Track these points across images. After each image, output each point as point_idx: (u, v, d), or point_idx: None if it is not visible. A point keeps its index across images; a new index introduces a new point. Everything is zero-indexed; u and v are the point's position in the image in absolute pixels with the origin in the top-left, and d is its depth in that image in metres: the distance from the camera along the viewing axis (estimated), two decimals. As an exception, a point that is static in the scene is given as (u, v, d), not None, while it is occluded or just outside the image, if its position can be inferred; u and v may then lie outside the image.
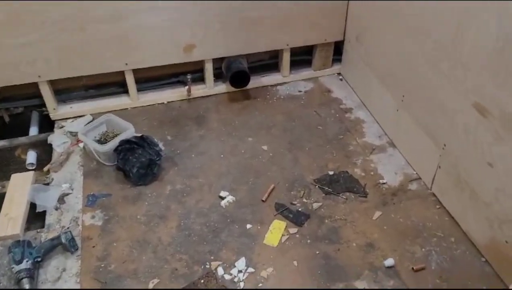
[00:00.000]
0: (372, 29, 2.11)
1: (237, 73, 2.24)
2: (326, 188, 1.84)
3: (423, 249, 1.59)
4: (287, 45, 2.35)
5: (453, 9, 1.48)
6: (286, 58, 2.41)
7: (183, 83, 2.34)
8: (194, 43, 2.18)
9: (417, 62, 1.74)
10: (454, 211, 1.68)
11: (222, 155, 2.02)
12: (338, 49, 2.49)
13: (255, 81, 2.42)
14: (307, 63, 2.54)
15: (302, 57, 2.50)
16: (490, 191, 1.45)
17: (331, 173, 1.92)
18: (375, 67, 2.12)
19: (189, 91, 2.33)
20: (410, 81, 1.83)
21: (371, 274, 1.51)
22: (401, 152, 2.00)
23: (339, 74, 2.55)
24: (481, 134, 1.44)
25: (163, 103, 2.34)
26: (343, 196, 1.81)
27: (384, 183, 1.86)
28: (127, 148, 1.87)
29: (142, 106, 2.31)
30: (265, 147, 2.06)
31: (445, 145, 1.66)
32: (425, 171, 1.83)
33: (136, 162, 1.82)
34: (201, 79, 2.38)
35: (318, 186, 1.85)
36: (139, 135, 1.94)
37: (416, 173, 1.89)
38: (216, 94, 2.40)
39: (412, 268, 1.51)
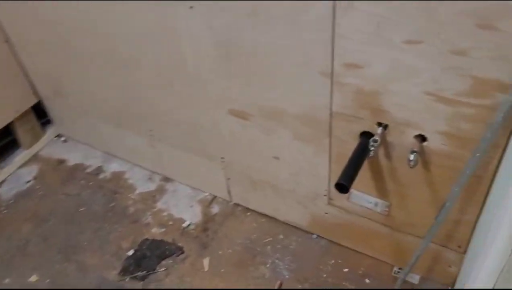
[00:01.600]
0: (69, 77, 1.75)
1: None
2: (139, 273, 1.52)
3: (268, 265, 1.50)
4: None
5: (160, 29, 1.29)
6: (-15, 157, 1.82)
7: None
8: None
9: (148, 92, 1.53)
10: (266, 210, 1.63)
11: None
12: (41, 110, 2.03)
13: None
14: (14, 143, 2.00)
15: (3, 141, 1.95)
16: (287, 179, 1.43)
17: (130, 252, 1.59)
18: (99, 112, 1.80)
19: None
20: (150, 113, 1.61)
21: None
22: (181, 182, 1.82)
23: (59, 136, 2.11)
24: (253, 135, 1.37)
25: None
26: (162, 268, 1.53)
27: (189, 225, 1.66)
28: None
29: None
30: (33, 278, 1.55)
31: (222, 157, 1.55)
32: (217, 188, 1.71)
33: None
34: None
35: (129, 278, 1.51)
36: None
37: (210, 194, 1.76)
38: None
39: (273, 292, 1.41)
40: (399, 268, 1.43)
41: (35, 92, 1.94)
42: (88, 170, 1.93)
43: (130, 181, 1.86)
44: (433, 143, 1.04)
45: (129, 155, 1.91)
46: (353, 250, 1.49)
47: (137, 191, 1.82)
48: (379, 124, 1.09)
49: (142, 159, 1.87)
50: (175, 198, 1.77)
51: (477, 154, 0.92)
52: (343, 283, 1.42)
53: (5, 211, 1.79)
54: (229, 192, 1.68)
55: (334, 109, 1.13)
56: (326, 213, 1.45)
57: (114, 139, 1.88)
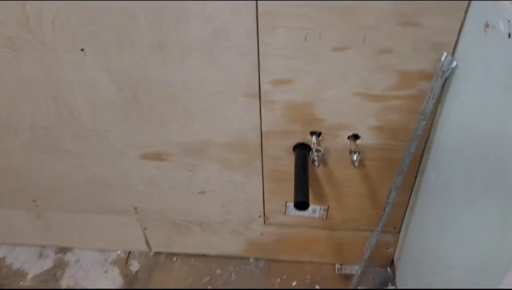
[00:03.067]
0: None
1: None
2: None
3: (216, 307, 1.39)
4: None
5: (41, 82, 1.07)
6: None
7: None
8: None
9: (26, 160, 1.26)
10: (194, 250, 1.50)
11: None
12: None
13: None
14: None
15: None
16: (217, 212, 1.34)
17: None
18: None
19: None
20: (30, 182, 1.33)
21: None
22: (83, 248, 1.56)
23: None
24: (174, 175, 1.24)
25: None
26: None
27: (110, 294, 1.44)
28: None
29: None
30: None
31: (136, 208, 1.37)
32: (131, 242, 1.51)
33: None
34: None
35: None
36: None
37: (122, 251, 1.55)
38: None
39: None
40: (340, 265, 1.47)
41: None
42: (-48, 270, 1.52)
43: (15, 266, 1.53)
44: (366, 139, 1.08)
45: (5, 235, 1.56)
46: (294, 261, 1.48)
47: (29, 275, 1.50)
48: (312, 133, 1.09)
49: (24, 236, 1.55)
50: (83, 269, 1.51)
51: (416, 141, 0.99)
52: (297, 297, 1.40)
53: None
54: (147, 243, 1.50)
55: (265, 129, 1.09)
56: (261, 233, 1.40)
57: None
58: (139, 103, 1.07)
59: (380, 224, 1.14)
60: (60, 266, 1.52)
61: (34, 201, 1.40)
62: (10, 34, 0.97)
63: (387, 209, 1.11)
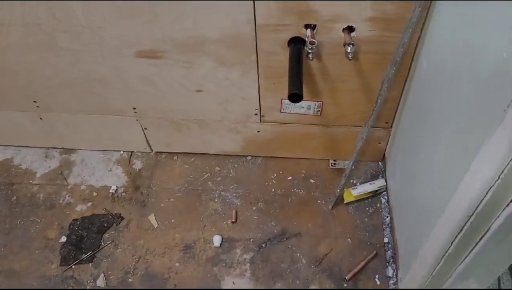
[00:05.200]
0: None
1: None
2: (84, 256, 1.37)
3: (216, 200, 1.48)
4: None
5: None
6: None
7: None
8: None
9: (24, 57, 1.27)
10: (194, 148, 1.56)
11: None
12: None
13: None
14: None
15: None
16: (215, 110, 1.37)
17: (63, 239, 1.41)
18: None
19: None
20: (29, 81, 1.35)
21: None
22: (87, 149, 1.62)
23: None
24: (170, 73, 1.26)
25: None
26: (107, 242, 1.40)
27: (116, 190, 1.52)
28: None
29: None
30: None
31: (135, 108, 1.41)
32: (133, 143, 1.57)
33: None
34: None
35: (75, 265, 1.36)
36: None
37: (124, 151, 1.61)
38: None
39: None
40: (334, 160, 1.54)
41: None
42: None
43: (23, 166, 1.60)
44: (361, 31, 1.07)
45: (10, 137, 1.62)
46: (289, 158, 1.55)
47: (38, 174, 1.57)
48: (307, 26, 1.08)
49: (28, 138, 1.60)
50: (88, 167, 1.58)
51: (410, 29, 0.98)
52: (292, 190, 1.48)
53: None
54: (148, 143, 1.56)
55: (259, 22, 1.08)
56: (258, 131, 1.45)
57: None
58: (131, -4, 1.05)
59: (372, 116, 1.17)
60: (66, 166, 1.59)
61: (35, 102, 1.42)
62: None
63: (379, 101, 1.14)
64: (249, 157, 1.57)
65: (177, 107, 1.39)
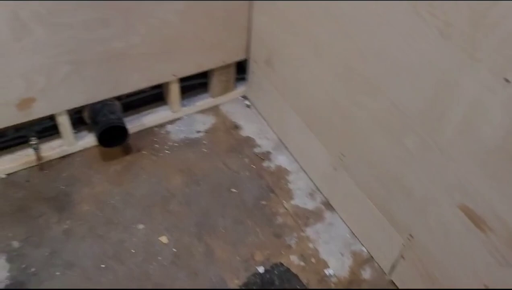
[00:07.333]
0: (286, 54, 1.56)
1: (107, 130, 1.55)
2: (258, 299, 1.35)
3: None
4: (174, 76, 1.70)
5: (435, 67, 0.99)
6: (174, 91, 1.76)
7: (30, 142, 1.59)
8: (32, 96, 1.43)
9: (357, 117, 1.26)
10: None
11: (102, 265, 1.39)
12: (241, 67, 1.91)
13: (135, 124, 1.76)
14: (203, 87, 1.92)
15: (195, 81, 1.88)
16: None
17: (261, 270, 1.41)
18: (295, 101, 1.60)
19: (39, 159, 1.59)
20: (349, 137, 1.35)
21: None
22: (342, 218, 1.56)
23: (244, 97, 1.99)
24: (474, 248, 1.03)
25: (1, 177, 1.58)
26: (283, 308, 1.33)
27: (331, 276, 1.41)
28: None
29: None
30: (164, 239, 1.47)
31: (411, 236, 1.24)
32: (380, 251, 1.42)
33: None
34: (55, 132, 1.65)
35: (248, 298, 1.35)
36: None
37: (367, 252, 1.48)
38: (81, 150, 1.69)
39: None
40: None
41: (248, 50, 1.81)
42: (256, 150, 1.78)
43: (290, 186, 1.66)
44: None
45: (301, 155, 1.70)
46: None
47: (293, 201, 1.61)
48: None
49: (312, 168, 1.64)
50: (328, 234, 1.52)
51: None
52: None
53: (167, 152, 1.73)
54: (392, 267, 1.38)
55: None
56: None
57: (295, 133, 1.68)
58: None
59: None
60: (316, 216, 1.57)
61: (342, 154, 1.43)
62: None
63: None
64: None
65: (447, 277, 1.15)
